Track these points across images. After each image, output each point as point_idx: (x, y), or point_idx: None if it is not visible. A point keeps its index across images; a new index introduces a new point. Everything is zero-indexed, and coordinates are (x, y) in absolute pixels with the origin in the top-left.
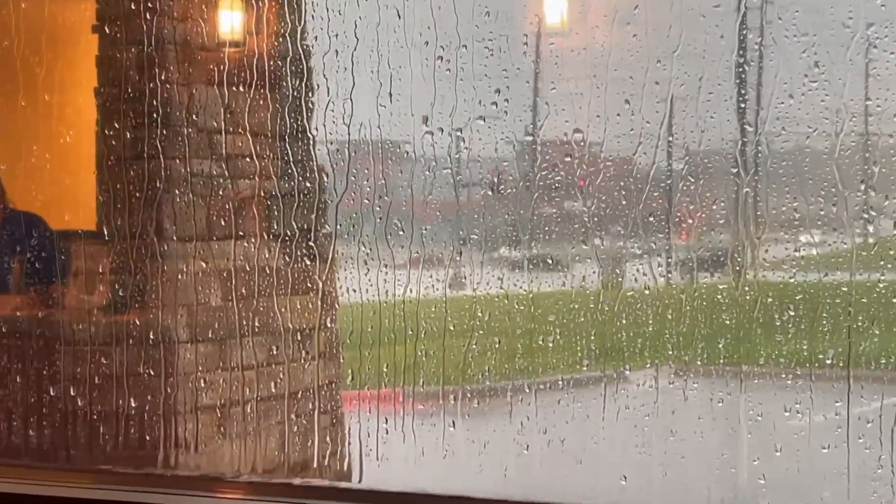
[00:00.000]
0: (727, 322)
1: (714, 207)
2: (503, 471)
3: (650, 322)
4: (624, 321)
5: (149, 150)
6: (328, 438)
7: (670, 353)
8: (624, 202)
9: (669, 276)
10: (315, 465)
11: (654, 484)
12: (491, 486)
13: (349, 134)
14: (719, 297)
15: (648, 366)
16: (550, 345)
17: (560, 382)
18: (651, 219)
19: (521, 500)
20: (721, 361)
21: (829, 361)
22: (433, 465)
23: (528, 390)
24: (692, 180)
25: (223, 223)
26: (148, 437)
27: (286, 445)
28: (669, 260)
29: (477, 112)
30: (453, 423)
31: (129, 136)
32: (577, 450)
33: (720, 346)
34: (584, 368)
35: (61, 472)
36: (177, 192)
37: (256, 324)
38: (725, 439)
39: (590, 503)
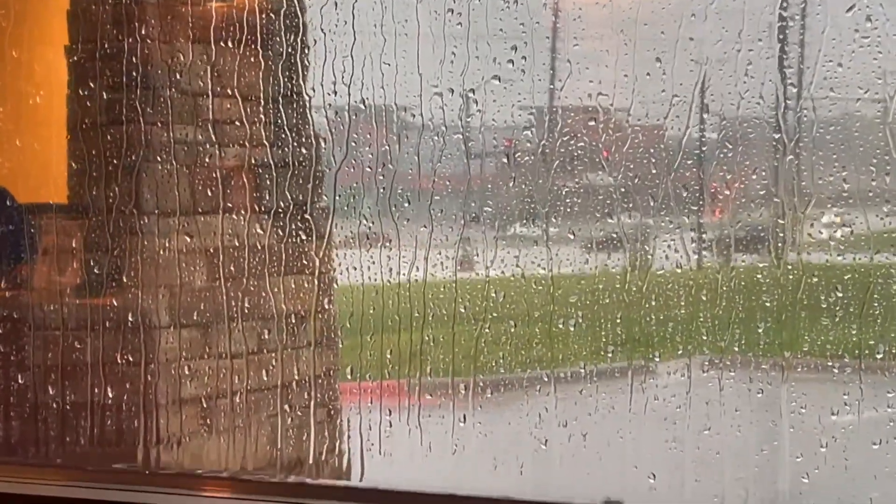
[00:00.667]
0: (767, 304)
1: (753, 178)
2: (519, 468)
3: (682, 305)
4: (653, 303)
5: (127, 114)
6: (325, 433)
7: (704, 338)
8: (653, 173)
9: (703, 254)
10: (310, 462)
11: (686, 483)
12: (505, 484)
13: (349, 96)
14: (759, 276)
15: (680, 352)
16: (572, 329)
17: (582, 371)
18: (683, 192)
19: (538, 500)
20: (761, 348)
21: (881, 350)
22: (441, 461)
23: (546, 380)
24: (729, 148)
25: (209, 195)
26: (125, 432)
27: (278, 441)
28: (703, 237)
29: (491, 71)
30: (464, 416)
31: (104, 98)
32: (601, 445)
33: (760, 331)
34: (610, 356)
35: (30, 469)
36: (158, 160)
37: (245, 307)
38: (765, 434)
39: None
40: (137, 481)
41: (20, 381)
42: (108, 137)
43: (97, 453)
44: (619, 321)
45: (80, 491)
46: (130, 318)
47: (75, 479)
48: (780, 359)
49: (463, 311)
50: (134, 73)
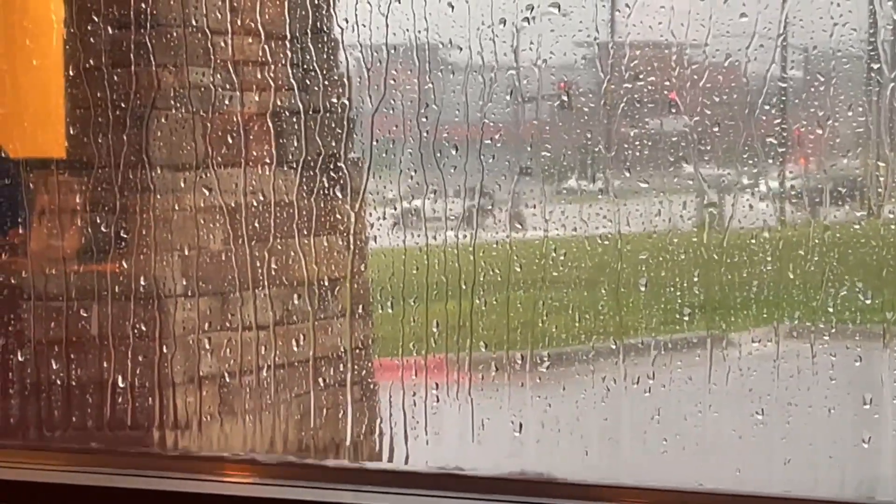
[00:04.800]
0: (866, 259)
1: (845, 120)
2: (584, 449)
3: (767, 262)
4: (735, 265)
5: (133, 56)
6: (358, 414)
7: (794, 300)
8: (732, 115)
9: (790, 206)
10: (341, 445)
11: (774, 464)
12: (568, 466)
13: (387, 28)
14: (856, 227)
15: (765, 316)
16: (643, 289)
17: (655, 339)
18: (767, 136)
19: (605, 484)
20: (858, 309)
21: None
22: (496, 443)
23: (614, 349)
24: (819, 84)
25: (228, 146)
26: (137, 413)
27: (305, 423)
28: (790, 186)
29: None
30: (521, 396)
31: (108, 37)
32: (676, 422)
33: (857, 290)
34: (685, 319)
35: (33, 454)
36: (169, 107)
37: (269, 273)
38: (864, 407)
39: (693, 489)
40: (150, 465)
41: (19, 357)
42: (112, 83)
43: (106, 436)
44: (696, 281)
45: (87, 477)
46: (141, 286)
47: (82, 465)
48: (882, 319)
49: (518, 268)
50: (142, 6)
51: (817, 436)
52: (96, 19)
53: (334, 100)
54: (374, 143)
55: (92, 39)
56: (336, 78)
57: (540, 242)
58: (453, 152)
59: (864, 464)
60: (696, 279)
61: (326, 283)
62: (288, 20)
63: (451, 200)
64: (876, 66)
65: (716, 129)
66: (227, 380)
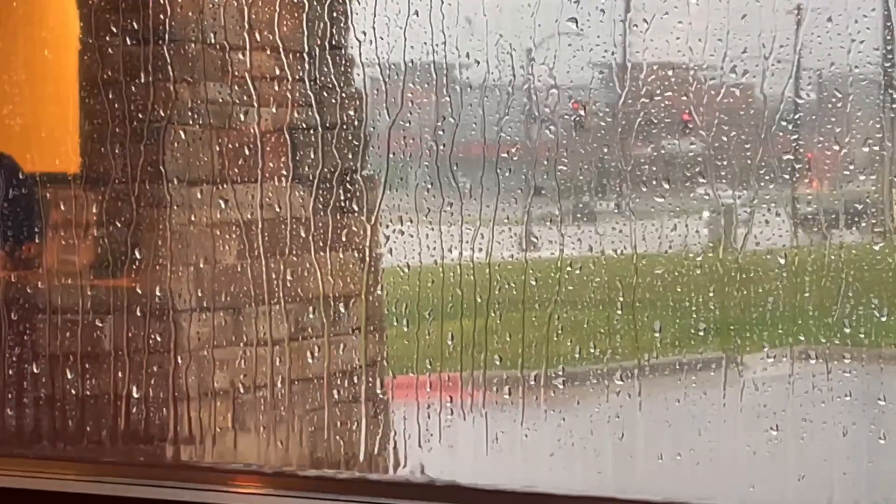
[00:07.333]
0: (882, 277)
1: (860, 139)
2: (596, 464)
3: (782, 281)
4: (751, 282)
5: (150, 71)
6: (369, 431)
7: (810, 317)
8: (745, 137)
9: (803, 227)
10: (351, 462)
11: (788, 481)
12: (582, 482)
13: (404, 43)
14: (871, 246)
15: (780, 332)
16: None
17: (668, 361)
18: (785, 156)
19: (621, 498)
20: (873, 327)
21: None
22: (508, 459)
23: (628, 366)
24: (833, 105)
25: (241, 162)
26: (149, 426)
27: (316, 439)
28: (805, 207)
29: (565, 14)
30: (535, 412)
31: (122, 52)
32: (689, 440)
33: (872, 307)
34: (700, 335)
35: (47, 463)
36: (185, 122)
37: (283, 287)
38: (879, 425)
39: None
40: (161, 476)
41: (34, 369)
42: (127, 98)
43: (119, 450)
44: (711, 298)
45: (98, 487)
46: (155, 300)
47: (93, 475)
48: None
49: (533, 283)
50: (160, 19)
51: (832, 452)
52: (115, 31)
53: (350, 114)
54: (391, 156)
55: (109, 52)
56: (352, 93)
57: (555, 259)
58: (467, 173)
59: (878, 478)
60: (711, 296)
61: (341, 298)
62: (305, 35)
63: (467, 215)
64: (885, 98)
65: (731, 148)
66: (241, 393)
